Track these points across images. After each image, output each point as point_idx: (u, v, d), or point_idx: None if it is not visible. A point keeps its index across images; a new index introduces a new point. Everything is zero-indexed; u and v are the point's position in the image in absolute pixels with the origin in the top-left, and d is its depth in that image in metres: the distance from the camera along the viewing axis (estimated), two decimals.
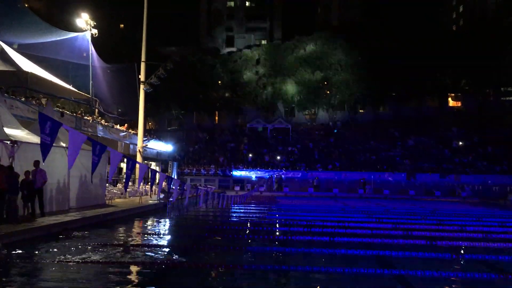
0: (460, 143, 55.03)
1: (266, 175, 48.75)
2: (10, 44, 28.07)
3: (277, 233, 15.86)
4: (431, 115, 61.48)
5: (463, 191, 44.09)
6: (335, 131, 60.59)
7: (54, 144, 10.88)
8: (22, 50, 29.37)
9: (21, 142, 15.33)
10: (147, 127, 53.07)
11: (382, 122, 61.30)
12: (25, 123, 18.83)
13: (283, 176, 48.38)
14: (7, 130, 15.46)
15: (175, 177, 40.06)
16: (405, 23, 65.67)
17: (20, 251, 10.93)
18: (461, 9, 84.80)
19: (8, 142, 14.83)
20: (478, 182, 45.68)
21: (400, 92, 61.87)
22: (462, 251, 12.73)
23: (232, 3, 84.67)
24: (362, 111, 64.94)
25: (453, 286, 9.29)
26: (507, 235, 15.98)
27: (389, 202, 35.23)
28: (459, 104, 64.65)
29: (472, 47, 56.73)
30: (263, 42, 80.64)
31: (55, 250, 11.32)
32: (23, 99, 23.27)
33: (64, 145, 17.05)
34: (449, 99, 65.15)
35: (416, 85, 59.40)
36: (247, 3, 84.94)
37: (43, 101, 26.32)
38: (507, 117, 57.51)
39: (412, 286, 8.88)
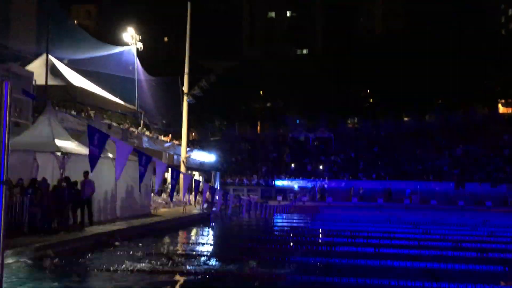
0: None
1: (309, 184, 48.32)
2: (61, 60, 29.41)
3: (321, 244, 15.68)
4: (479, 122, 59.25)
5: None
6: (375, 134, 59.15)
7: (101, 155, 11.23)
8: (72, 65, 30.70)
9: (72, 153, 15.89)
10: (190, 138, 53.92)
11: (428, 131, 59.62)
12: (75, 135, 19.49)
13: (326, 185, 47.85)
14: (58, 142, 16.07)
15: (218, 187, 40.43)
16: (451, 28, 64.03)
17: (71, 259, 11.26)
18: (510, 13, 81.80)
19: (59, 153, 15.43)
20: None
21: (447, 99, 60.20)
22: None
23: (273, 14, 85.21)
24: (407, 119, 63.53)
25: None
26: None
27: (437, 212, 34.13)
28: (510, 110, 62.09)
29: None
30: (305, 51, 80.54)
31: (104, 258, 11.61)
32: (73, 112, 24.22)
33: (111, 156, 17.51)
34: (499, 105, 62.70)
35: (464, 91, 57.63)
36: (288, 13, 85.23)
37: (92, 113, 27.27)
38: None
39: None
